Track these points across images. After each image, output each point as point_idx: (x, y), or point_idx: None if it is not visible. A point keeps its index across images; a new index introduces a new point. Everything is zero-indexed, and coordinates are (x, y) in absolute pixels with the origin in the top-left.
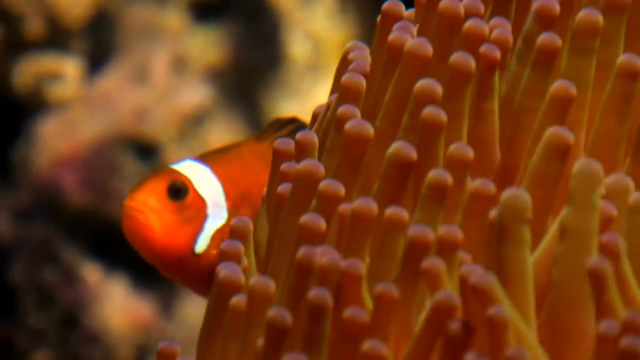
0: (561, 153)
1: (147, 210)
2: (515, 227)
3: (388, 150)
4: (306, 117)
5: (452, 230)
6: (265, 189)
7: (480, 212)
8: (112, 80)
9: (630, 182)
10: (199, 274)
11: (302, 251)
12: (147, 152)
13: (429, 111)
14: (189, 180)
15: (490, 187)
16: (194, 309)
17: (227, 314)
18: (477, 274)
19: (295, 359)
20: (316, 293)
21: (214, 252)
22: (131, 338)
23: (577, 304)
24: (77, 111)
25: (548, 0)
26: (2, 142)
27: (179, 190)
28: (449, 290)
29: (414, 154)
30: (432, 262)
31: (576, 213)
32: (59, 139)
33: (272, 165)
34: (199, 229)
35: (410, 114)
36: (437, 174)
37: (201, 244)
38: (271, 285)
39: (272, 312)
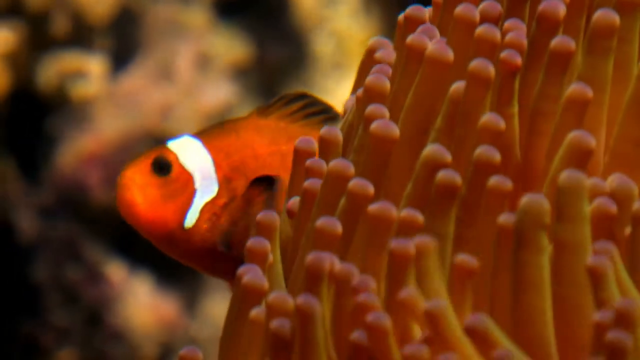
0: (583, 157)
1: (132, 186)
2: (533, 234)
3: (422, 153)
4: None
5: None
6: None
7: (497, 210)
8: (137, 78)
9: (634, 188)
10: (192, 248)
11: (311, 257)
12: None
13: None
14: (175, 155)
15: (507, 184)
16: (218, 306)
17: (247, 325)
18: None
19: None
20: (304, 299)
21: (205, 226)
22: (155, 336)
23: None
24: (101, 109)
25: (551, 4)
26: (27, 141)
27: (162, 165)
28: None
29: (448, 157)
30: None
31: (568, 226)
32: (83, 137)
33: (294, 164)
34: (188, 203)
35: (445, 117)
36: (446, 174)
37: (190, 218)
38: (289, 301)
39: (274, 324)
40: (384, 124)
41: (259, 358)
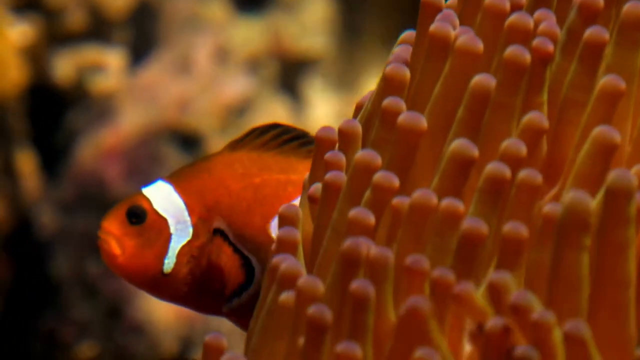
0: (607, 153)
1: (109, 238)
2: (577, 234)
3: (449, 147)
4: (348, 110)
5: (517, 227)
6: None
7: (527, 203)
8: (155, 71)
9: None
10: (175, 291)
11: (347, 243)
12: (190, 143)
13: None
14: (149, 202)
15: (537, 177)
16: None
17: (277, 310)
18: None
19: (347, 348)
20: (359, 284)
21: (184, 269)
22: (175, 329)
23: (623, 311)
24: (120, 103)
25: None
26: (46, 135)
27: (136, 214)
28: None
29: (475, 152)
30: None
31: (613, 228)
32: (102, 131)
33: (315, 153)
34: (164, 248)
35: (467, 109)
36: (495, 167)
37: (169, 264)
38: (319, 285)
39: (312, 309)
40: (412, 116)
41: (288, 343)
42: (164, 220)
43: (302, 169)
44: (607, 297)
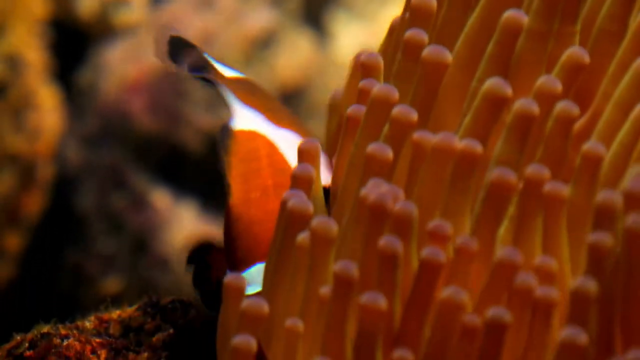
0: None
1: None
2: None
3: (483, 85)
4: (372, 41)
5: (539, 170)
6: None
7: (563, 136)
8: (179, 4)
9: None
10: None
11: (373, 198)
12: None
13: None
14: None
15: (575, 110)
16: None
17: (294, 250)
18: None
19: (372, 299)
20: (387, 241)
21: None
22: None
23: None
24: (143, 36)
25: None
26: (70, 70)
27: None
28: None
29: (509, 91)
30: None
31: None
32: (126, 65)
33: (348, 80)
34: None
35: (498, 43)
36: (524, 104)
37: None
38: (333, 227)
39: (339, 266)
40: (436, 50)
41: (305, 284)
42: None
43: None
44: None
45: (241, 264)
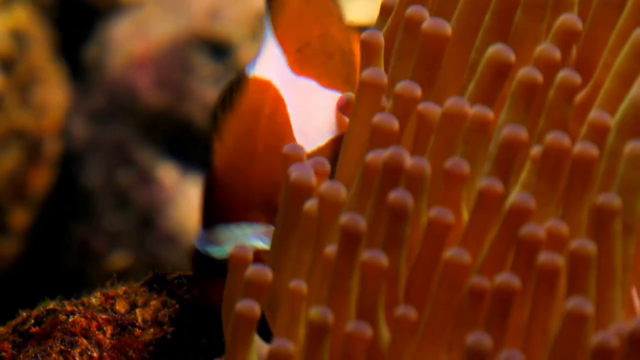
0: None
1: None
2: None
3: (486, 53)
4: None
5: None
6: None
7: (565, 104)
8: None
9: None
10: None
11: (389, 154)
12: (220, 51)
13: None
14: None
15: (576, 78)
16: None
17: (300, 219)
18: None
19: (373, 256)
20: (397, 195)
21: None
22: None
23: None
24: (150, 12)
25: None
26: (76, 45)
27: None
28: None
29: (512, 57)
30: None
31: None
32: (132, 40)
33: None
34: None
35: (494, 14)
36: (527, 72)
37: None
38: (342, 191)
39: (346, 218)
40: (436, 23)
41: (312, 251)
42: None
43: None
44: None
45: (209, 222)
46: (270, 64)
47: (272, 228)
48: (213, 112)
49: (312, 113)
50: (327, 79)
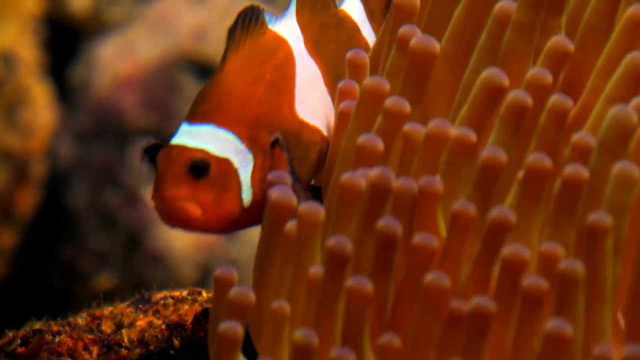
0: (638, 79)
1: (182, 204)
2: (619, 144)
3: (480, 76)
4: None
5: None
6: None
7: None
8: (171, 0)
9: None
10: (258, 218)
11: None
12: (206, 71)
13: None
14: (203, 151)
15: (568, 102)
16: (258, 228)
17: (282, 239)
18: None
19: (359, 283)
20: (386, 223)
21: (260, 194)
22: (195, 258)
23: None
24: (136, 32)
25: None
26: (63, 66)
27: (200, 167)
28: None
29: (506, 81)
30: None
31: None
32: (118, 61)
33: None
34: (238, 186)
35: (490, 34)
36: (517, 95)
37: (247, 197)
38: (320, 211)
39: (332, 241)
40: (424, 40)
41: (294, 271)
42: (226, 160)
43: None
44: None
45: (196, 118)
46: (289, 30)
47: (250, 156)
48: (233, 27)
49: (311, 94)
50: (328, 77)
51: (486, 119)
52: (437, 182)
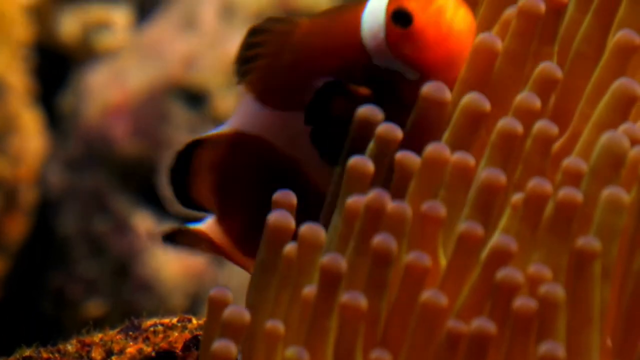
0: (626, 105)
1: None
2: (611, 171)
3: (461, 101)
4: None
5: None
6: None
7: (542, 154)
8: (161, 28)
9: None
10: None
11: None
12: (196, 99)
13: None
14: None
15: (554, 129)
16: None
17: (279, 261)
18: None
19: (353, 298)
20: (382, 239)
21: None
22: (184, 286)
23: None
24: (126, 60)
25: None
26: (52, 94)
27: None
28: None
29: (487, 106)
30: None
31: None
32: (108, 89)
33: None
34: None
35: (470, 69)
36: (507, 123)
37: None
38: (321, 233)
39: (326, 258)
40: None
41: (291, 293)
42: None
43: None
44: None
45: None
46: None
47: None
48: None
49: None
50: None
51: (468, 143)
52: (440, 207)
